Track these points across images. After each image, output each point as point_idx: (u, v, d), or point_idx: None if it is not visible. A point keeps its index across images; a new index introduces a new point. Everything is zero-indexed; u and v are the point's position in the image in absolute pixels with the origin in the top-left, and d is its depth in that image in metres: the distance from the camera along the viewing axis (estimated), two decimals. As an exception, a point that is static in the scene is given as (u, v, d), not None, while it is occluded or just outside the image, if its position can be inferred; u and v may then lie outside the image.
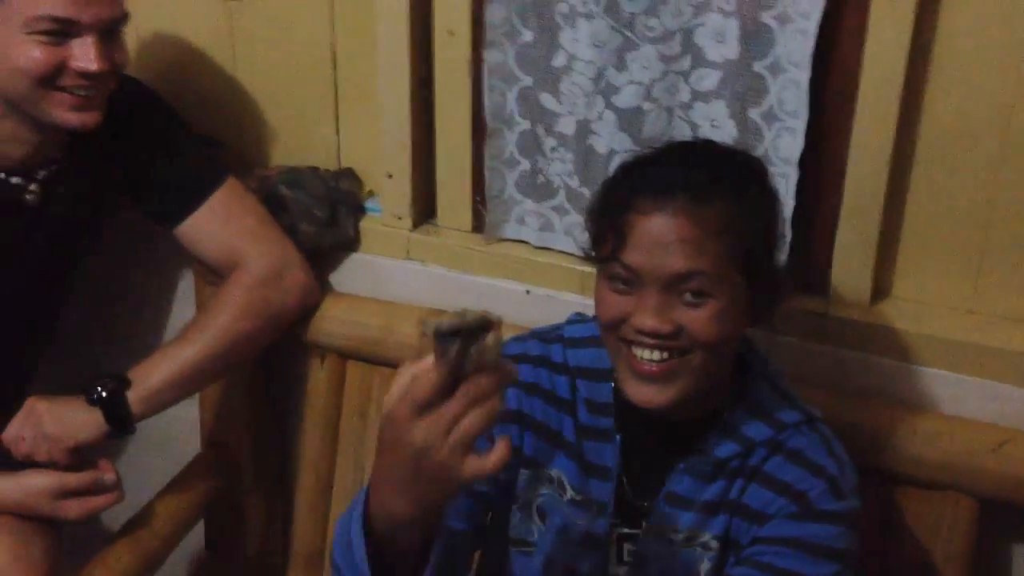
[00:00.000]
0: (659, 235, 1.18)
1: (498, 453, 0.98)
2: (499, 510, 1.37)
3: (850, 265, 1.54)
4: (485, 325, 0.98)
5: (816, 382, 1.53)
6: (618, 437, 1.31)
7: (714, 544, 1.29)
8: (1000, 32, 1.40)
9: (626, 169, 1.28)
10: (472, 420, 0.96)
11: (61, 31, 1.47)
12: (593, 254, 1.28)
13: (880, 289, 1.58)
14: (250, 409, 1.92)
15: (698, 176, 1.21)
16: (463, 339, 0.97)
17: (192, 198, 1.71)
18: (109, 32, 1.52)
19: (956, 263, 1.53)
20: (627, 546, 1.31)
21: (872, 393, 1.55)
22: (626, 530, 1.33)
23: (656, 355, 1.20)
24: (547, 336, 1.38)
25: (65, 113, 1.52)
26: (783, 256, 1.43)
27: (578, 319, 1.41)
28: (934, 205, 1.51)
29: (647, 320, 1.18)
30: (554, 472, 1.34)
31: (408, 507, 1.02)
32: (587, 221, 1.30)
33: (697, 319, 1.19)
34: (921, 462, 1.49)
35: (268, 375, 1.91)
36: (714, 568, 1.29)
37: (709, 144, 1.38)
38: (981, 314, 1.54)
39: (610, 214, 1.23)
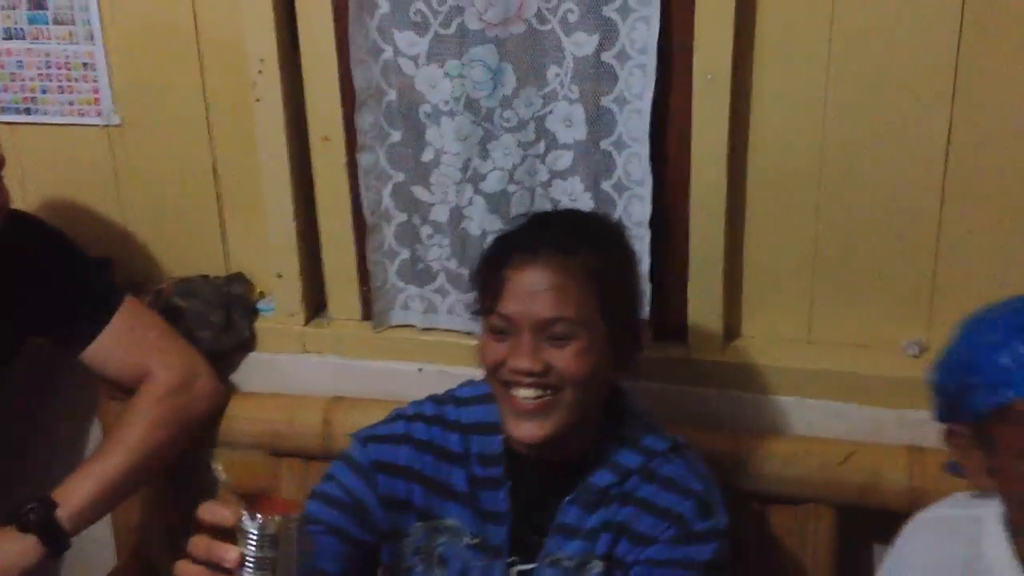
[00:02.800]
0: (529, 285, 1.34)
1: None
2: (393, 563, 1.47)
3: (703, 312, 1.71)
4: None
5: (683, 420, 1.67)
6: (508, 483, 1.43)
7: (599, 565, 1.40)
8: (804, 95, 1.60)
9: (502, 237, 1.45)
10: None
11: None
12: (477, 313, 1.42)
13: (731, 331, 1.75)
14: (164, 514, 1.95)
15: (562, 233, 1.39)
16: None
17: (95, 323, 1.75)
18: None
19: (793, 300, 1.71)
20: None
21: (733, 424, 1.71)
22: (523, 567, 1.43)
23: (532, 392, 1.34)
24: (441, 398, 1.52)
25: None
26: (644, 310, 1.60)
27: (468, 384, 1.53)
28: (768, 252, 1.70)
29: (521, 361, 1.33)
30: (450, 522, 1.45)
31: None
32: (472, 284, 1.45)
33: (563, 357, 1.34)
34: (782, 480, 1.65)
35: (178, 479, 1.94)
36: None
37: (572, 211, 1.59)
38: (818, 343, 1.72)
39: (488, 274, 1.39)
